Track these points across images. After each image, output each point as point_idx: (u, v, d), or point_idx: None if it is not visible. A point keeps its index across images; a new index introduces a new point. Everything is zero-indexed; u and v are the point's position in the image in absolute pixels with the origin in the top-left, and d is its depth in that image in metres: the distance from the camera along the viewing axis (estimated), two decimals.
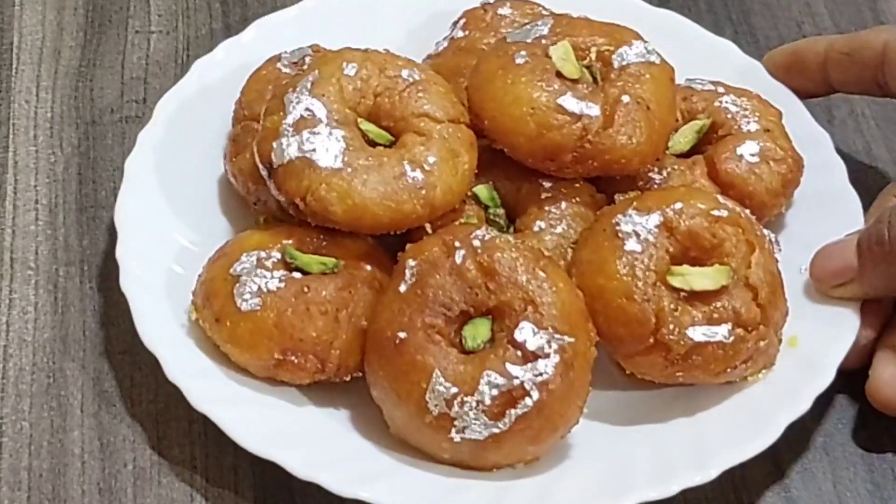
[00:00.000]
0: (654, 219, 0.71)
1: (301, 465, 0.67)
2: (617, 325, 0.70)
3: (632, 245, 0.70)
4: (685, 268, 0.71)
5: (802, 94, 0.83)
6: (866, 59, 0.76)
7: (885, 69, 0.75)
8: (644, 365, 0.71)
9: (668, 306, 0.70)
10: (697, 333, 0.69)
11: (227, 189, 0.81)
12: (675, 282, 0.70)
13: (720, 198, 0.74)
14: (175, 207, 0.79)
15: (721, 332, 0.70)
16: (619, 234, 0.71)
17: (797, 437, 0.72)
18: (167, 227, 0.78)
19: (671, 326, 0.69)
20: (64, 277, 0.80)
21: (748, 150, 0.78)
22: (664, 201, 0.72)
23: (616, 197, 0.75)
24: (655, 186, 0.77)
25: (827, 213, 0.79)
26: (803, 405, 0.71)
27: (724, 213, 0.72)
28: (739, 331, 0.70)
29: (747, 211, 0.75)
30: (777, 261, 0.74)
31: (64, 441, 0.73)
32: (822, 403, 0.73)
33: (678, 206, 0.72)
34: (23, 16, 0.94)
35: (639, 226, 0.71)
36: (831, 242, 0.75)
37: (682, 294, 0.70)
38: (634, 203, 0.73)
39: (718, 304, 0.70)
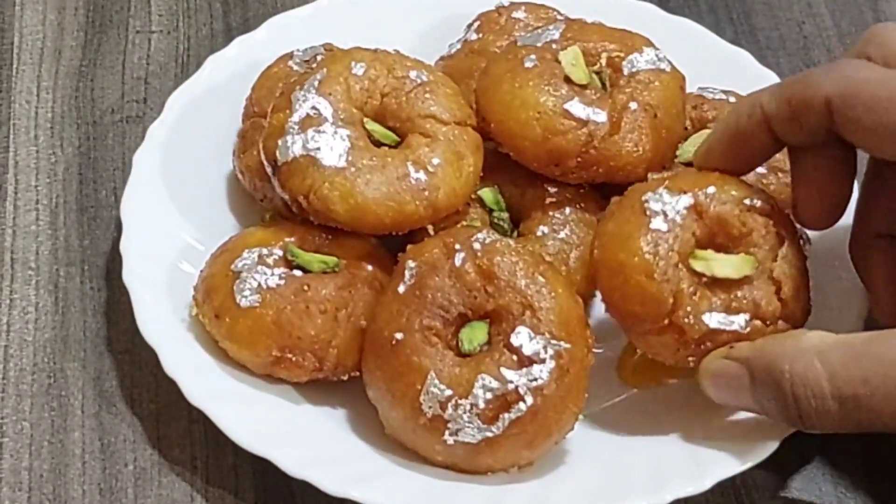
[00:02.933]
0: (685, 200, 0.74)
1: (295, 463, 0.72)
2: (633, 302, 0.73)
3: (658, 224, 0.73)
4: (709, 253, 0.74)
5: (751, 168, 0.79)
6: (813, 122, 0.72)
7: (837, 125, 0.72)
8: (656, 345, 0.74)
9: (688, 289, 0.73)
10: (713, 320, 0.73)
11: (235, 185, 0.87)
12: (698, 266, 0.73)
13: (755, 187, 0.77)
14: (182, 202, 0.84)
15: (738, 321, 0.73)
16: (647, 212, 0.74)
17: (797, 437, 0.74)
18: (172, 221, 0.83)
19: (688, 309, 0.72)
20: (65, 277, 0.85)
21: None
22: (697, 184, 0.75)
23: (649, 175, 0.78)
24: None
25: (834, 229, 0.80)
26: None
27: (757, 203, 0.75)
28: (757, 323, 0.73)
29: (780, 204, 0.77)
30: (806, 258, 0.77)
31: (64, 441, 0.78)
32: None
33: (711, 190, 0.75)
34: (23, 16, 1.00)
35: (668, 205, 0.74)
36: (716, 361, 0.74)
37: (703, 279, 0.73)
38: (667, 182, 0.75)
39: (739, 294, 0.73)
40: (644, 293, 0.73)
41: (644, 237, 0.73)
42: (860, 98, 0.71)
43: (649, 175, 0.78)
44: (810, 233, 0.79)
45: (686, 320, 0.73)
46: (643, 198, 0.75)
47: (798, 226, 0.78)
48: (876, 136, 0.71)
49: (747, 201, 0.75)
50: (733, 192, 0.75)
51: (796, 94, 0.73)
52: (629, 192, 0.76)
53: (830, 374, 0.69)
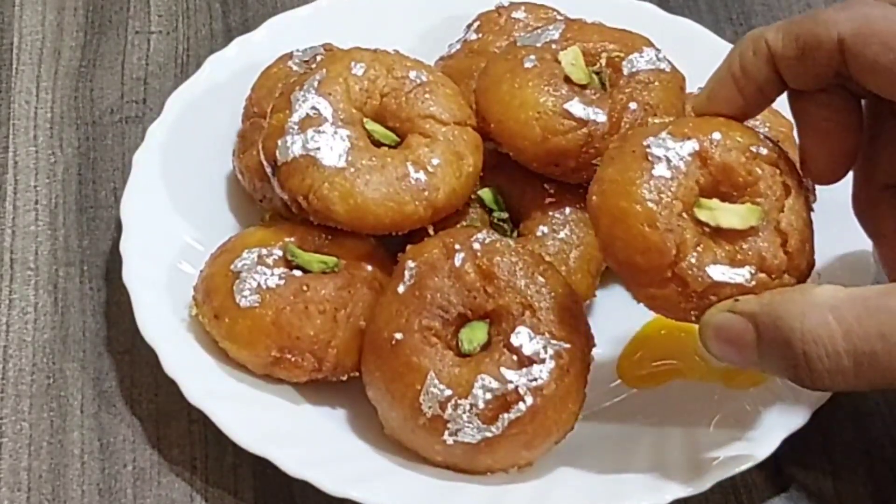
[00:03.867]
0: (689, 146, 0.71)
1: (294, 463, 0.73)
2: (635, 252, 0.69)
3: (661, 170, 0.70)
4: (714, 202, 0.71)
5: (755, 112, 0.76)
6: (822, 62, 0.70)
7: (850, 66, 0.70)
8: (657, 298, 0.71)
9: (691, 240, 0.69)
10: (717, 272, 0.69)
11: (235, 186, 0.87)
12: (702, 215, 0.70)
13: (762, 135, 0.74)
14: (181, 203, 0.85)
15: (743, 274, 0.70)
16: (649, 157, 0.70)
17: (797, 437, 0.75)
18: (172, 221, 0.84)
19: (692, 260, 0.69)
20: (64, 278, 0.86)
21: None
22: (701, 129, 0.72)
23: (649, 120, 0.76)
24: None
25: (833, 223, 0.79)
26: (800, 419, 0.75)
27: (764, 151, 0.72)
28: (762, 276, 0.70)
29: (789, 153, 0.75)
30: (812, 210, 0.73)
31: (64, 441, 0.79)
32: (822, 403, 0.76)
33: (716, 136, 0.71)
34: (23, 16, 1.00)
35: (671, 151, 0.70)
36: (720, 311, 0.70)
37: (707, 229, 0.70)
38: (670, 127, 0.72)
39: (744, 246, 0.70)
40: (646, 243, 0.69)
41: (646, 184, 0.70)
42: (878, 36, 0.68)
43: (649, 119, 0.76)
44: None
45: (689, 272, 0.69)
46: (645, 142, 0.71)
47: (804, 178, 0.75)
48: (892, 75, 0.68)
49: (753, 148, 0.72)
50: (739, 139, 0.72)
51: (805, 31, 0.70)
52: (630, 136, 0.73)
53: (845, 330, 0.65)
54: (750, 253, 0.70)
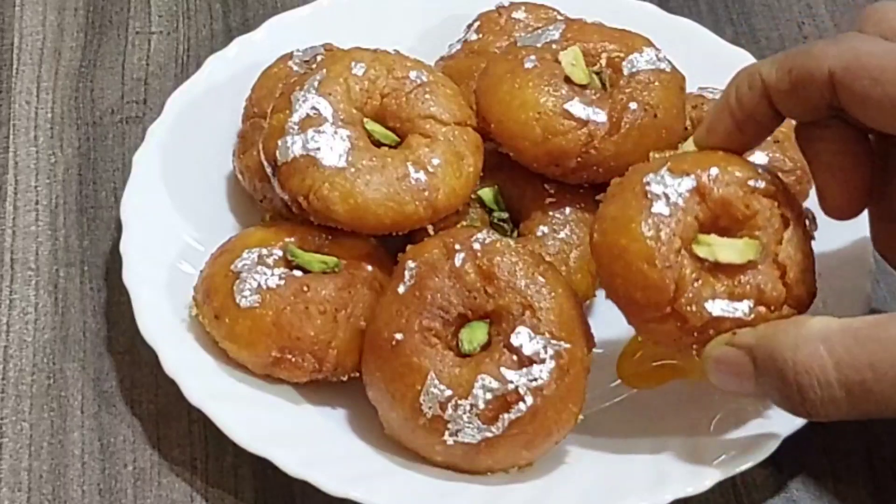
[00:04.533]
0: (687, 182, 0.72)
1: (295, 463, 0.72)
2: (634, 288, 0.71)
3: (660, 207, 0.71)
4: (712, 237, 0.71)
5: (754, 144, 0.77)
6: (814, 95, 0.71)
7: (841, 100, 0.70)
8: (658, 333, 0.72)
9: (690, 275, 0.70)
10: (716, 307, 0.70)
11: (235, 186, 0.87)
12: (701, 251, 0.71)
13: (760, 167, 0.74)
14: (181, 203, 0.85)
15: (742, 308, 0.71)
16: (648, 195, 0.71)
17: (797, 438, 0.75)
18: (172, 221, 0.84)
19: (690, 296, 0.70)
20: (64, 278, 0.86)
21: (756, 160, 0.80)
22: (699, 165, 0.72)
23: (651, 154, 0.76)
24: None
25: (833, 225, 0.78)
26: (801, 419, 0.74)
27: (761, 185, 0.72)
28: (761, 309, 0.71)
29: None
30: (812, 238, 0.74)
31: (64, 442, 0.79)
32: None
33: (714, 171, 0.72)
34: (23, 16, 1.00)
35: (670, 188, 0.71)
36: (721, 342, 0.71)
37: (706, 264, 0.71)
38: (669, 164, 0.72)
39: (742, 279, 0.71)
40: (645, 280, 0.71)
41: (645, 222, 0.71)
42: (867, 70, 0.69)
43: (651, 154, 0.77)
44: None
45: (688, 308, 0.71)
46: (644, 180, 0.72)
47: (804, 206, 0.76)
48: (882, 109, 0.69)
49: (752, 182, 0.73)
50: (737, 174, 0.73)
51: (798, 65, 0.71)
52: (630, 173, 0.74)
53: (836, 361, 0.66)
54: (749, 286, 0.72)
